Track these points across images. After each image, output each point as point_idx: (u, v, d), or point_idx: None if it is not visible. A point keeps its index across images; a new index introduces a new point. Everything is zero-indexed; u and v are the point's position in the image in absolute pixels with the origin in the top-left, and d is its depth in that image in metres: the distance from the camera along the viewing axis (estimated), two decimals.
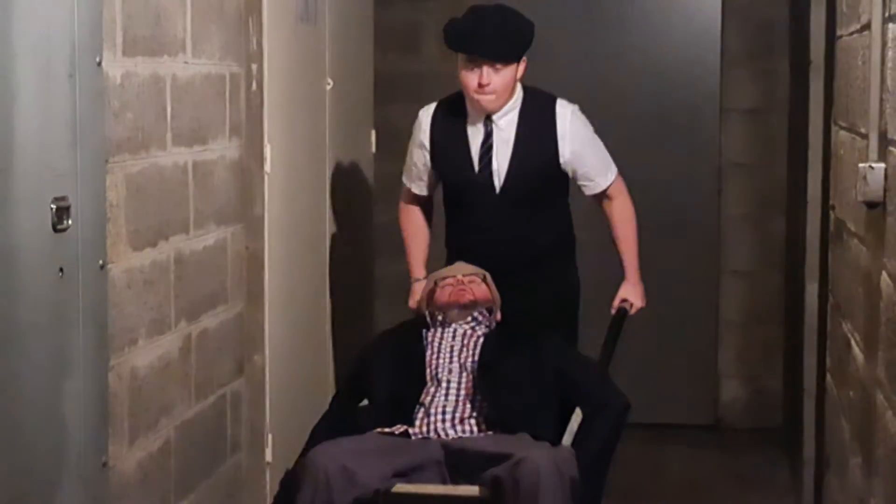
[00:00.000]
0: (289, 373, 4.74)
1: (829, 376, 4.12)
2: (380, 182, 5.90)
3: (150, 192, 3.64)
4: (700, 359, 6.57)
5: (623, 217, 4.67)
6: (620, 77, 6.51)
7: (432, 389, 4.17)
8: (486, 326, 4.34)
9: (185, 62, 3.87)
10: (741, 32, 6.48)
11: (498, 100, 4.41)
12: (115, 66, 3.40)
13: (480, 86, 4.35)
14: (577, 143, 4.51)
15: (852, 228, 3.51)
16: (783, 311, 6.41)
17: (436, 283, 4.42)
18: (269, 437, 4.51)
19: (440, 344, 4.28)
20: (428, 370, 4.20)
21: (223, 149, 4.19)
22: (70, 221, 3.11)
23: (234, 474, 4.36)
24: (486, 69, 4.33)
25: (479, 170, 4.49)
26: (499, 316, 4.40)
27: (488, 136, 4.47)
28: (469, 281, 4.36)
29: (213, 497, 4.17)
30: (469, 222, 4.57)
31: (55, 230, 3.06)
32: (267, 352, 4.51)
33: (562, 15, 6.53)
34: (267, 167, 4.47)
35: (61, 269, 3.11)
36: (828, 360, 4.18)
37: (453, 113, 4.54)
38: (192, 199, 3.95)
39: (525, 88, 4.52)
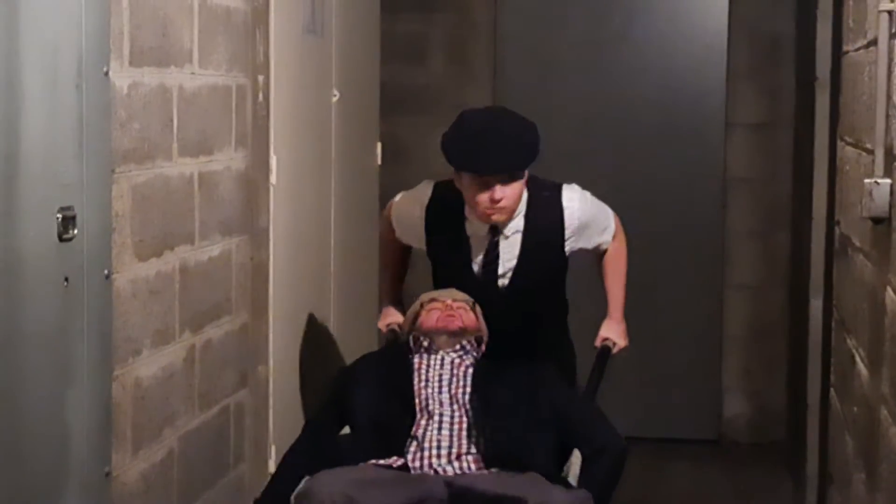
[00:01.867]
0: (293, 384, 4.74)
1: (832, 392, 4.12)
2: (385, 194, 5.89)
3: (155, 202, 3.64)
4: (703, 373, 6.56)
5: (615, 254, 4.38)
6: (627, 91, 6.51)
7: (423, 422, 3.87)
8: (475, 356, 4.05)
9: (192, 73, 3.88)
10: (747, 47, 6.48)
11: (509, 212, 4.08)
12: (121, 77, 3.40)
13: (493, 201, 3.99)
14: (587, 229, 4.25)
15: (857, 244, 3.51)
16: (787, 326, 6.41)
17: (422, 306, 4.15)
18: (273, 448, 4.51)
19: (428, 372, 3.98)
20: (417, 400, 3.91)
21: (229, 160, 4.20)
22: (75, 231, 3.11)
23: (237, 485, 4.35)
24: (498, 186, 3.98)
25: (482, 276, 4.21)
26: (484, 348, 4.13)
27: (494, 246, 4.17)
28: (458, 307, 4.10)
29: None
30: None
31: (60, 240, 3.07)
32: (271, 363, 4.50)
33: (568, 30, 6.54)
34: (272, 178, 4.47)
35: (66, 279, 3.11)
36: (832, 376, 4.18)
37: (452, 211, 4.18)
38: (197, 210, 3.95)
39: (529, 188, 4.14)
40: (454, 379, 3.97)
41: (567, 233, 4.18)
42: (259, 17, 4.36)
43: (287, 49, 4.57)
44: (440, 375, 3.98)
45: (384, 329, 4.46)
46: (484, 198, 4.00)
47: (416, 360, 4.02)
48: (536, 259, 4.18)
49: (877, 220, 3.03)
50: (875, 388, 3.07)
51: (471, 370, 3.99)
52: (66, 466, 3.16)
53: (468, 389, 3.94)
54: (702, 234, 6.52)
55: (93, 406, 3.27)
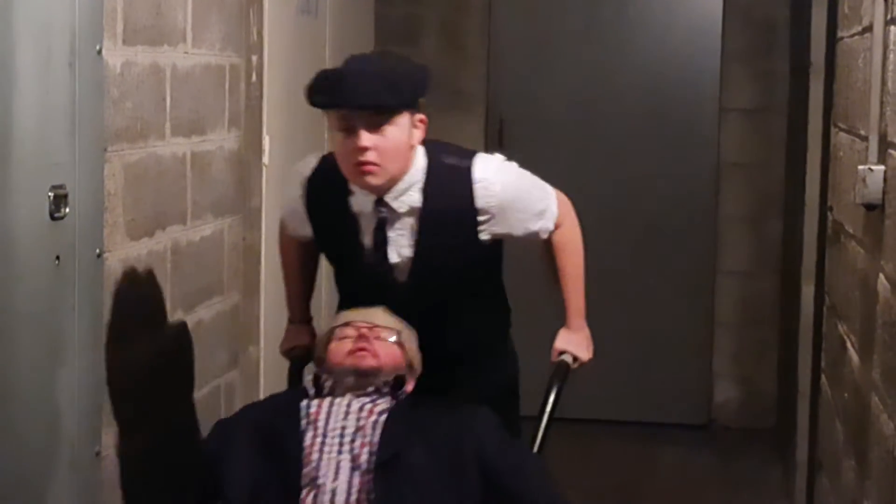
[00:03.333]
0: (283, 365, 4.73)
1: (823, 378, 4.12)
2: None
3: (147, 181, 3.64)
4: (694, 358, 6.57)
5: (566, 244, 3.47)
6: (620, 75, 6.50)
7: (311, 499, 2.99)
8: (392, 399, 3.15)
9: (186, 52, 3.87)
10: (742, 32, 6.47)
11: (384, 172, 3.18)
12: (115, 55, 3.39)
13: (358, 152, 3.15)
14: (510, 212, 3.32)
15: (850, 230, 3.51)
16: (779, 312, 6.41)
17: (332, 332, 3.31)
18: None
19: (326, 425, 3.07)
20: (305, 466, 3.02)
21: (222, 140, 4.19)
22: (67, 210, 3.10)
23: None
24: (361, 131, 3.14)
25: (375, 262, 3.33)
26: (410, 386, 3.26)
27: (381, 225, 3.29)
28: (376, 336, 3.23)
29: None
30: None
31: (52, 218, 3.06)
32: (262, 344, 4.50)
33: (563, 14, 6.53)
34: (265, 159, 4.47)
35: (57, 258, 3.10)
36: (823, 362, 4.18)
37: (336, 183, 3.31)
38: (189, 190, 3.94)
39: (430, 153, 3.30)
40: (359, 434, 3.05)
41: (481, 215, 3.28)
42: None
43: (281, 29, 4.57)
44: (342, 430, 3.07)
45: (284, 355, 3.69)
46: (348, 147, 3.18)
47: (312, 407, 3.12)
48: (440, 246, 3.30)
49: (870, 207, 3.03)
50: (866, 374, 3.07)
51: (382, 419, 3.08)
52: (57, 446, 3.16)
53: (375, 448, 3.04)
54: (694, 220, 6.52)
55: (83, 385, 3.26)
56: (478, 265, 3.39)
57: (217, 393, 4.25)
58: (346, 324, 3.28)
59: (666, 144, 6.48)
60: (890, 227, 2.83)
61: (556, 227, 3.42)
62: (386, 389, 3.17)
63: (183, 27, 3.84)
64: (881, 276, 2.89)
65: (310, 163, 3.44)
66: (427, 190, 3.27)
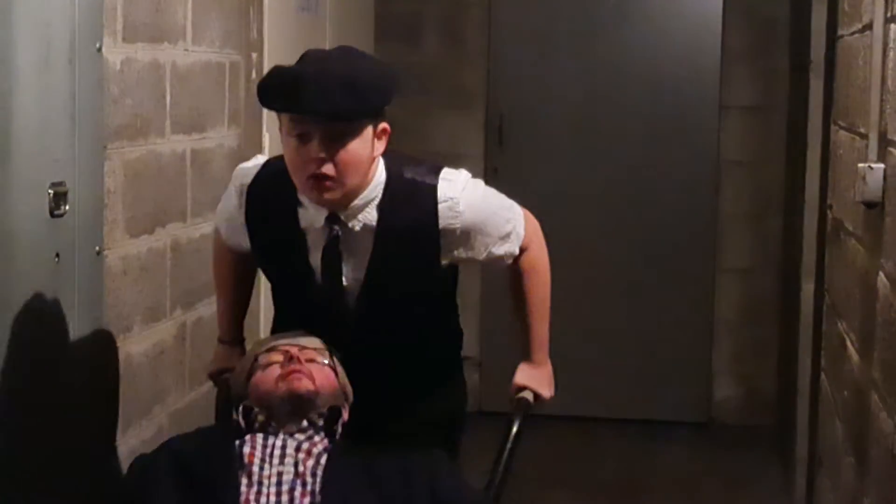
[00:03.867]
0: None
1: (823, 376, 4.12)
2: None
3: (147, 179, 3.64)
4: (694, 356, 6.57)
5: (532, 269, 3.16)
6: (620, 72, 6.50)
7: None
8: (330, 437, 2.85)
9: (186, 50, 3.87)
10: (742, 30, 6.47)
11: (341, 187, 2.86)
12: (114, 53, 3.39)
13: (313, 163, 2.82)
14: (474, 234, 3.02)
15: (850, 228, 3.51)
16: (778, 309, 6.41)
17: (256, 359, 2.95)
18: None
19: (262, 469, 2.76)
20: None
21: (222, 137, 4.19)
22: (67, 207, 3.10)
23: None
24: (318, 140, 2.81)
25: (323, 284, 3.01)
26: (346, 415, 2.93)
27: (333, 243, 2.97)
28: (308, 359, 2.91)
29: None
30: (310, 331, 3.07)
31: (52, 216, 3.06)
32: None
33: (563, 12, 6.52)
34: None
35: (57, 255, 3.10)
36: (822, 360, 4.18)
37: (282, 193, 2.97)
38: (189, 187, 3.94)
39: (390, 167, 2.97)
40: (298, 482, 2.74)
41: (443, 237, 2.98)
42: None
43: (281, 26, 4.56)
44: (279, 476, 2.75)
45: (211, 379, 3.32)
46: (301, 159, 2.85)
47: (246, 447, 2.79)
48: (396, 269, 2.99)
49: (870, 205, 3.02)
50: (865, 372, 3.07)
51: (323, 461, 2.79)
52: (57, 442, 3.16)
53: (318, 499, 2.73)
54: (694, 217, 6.52)
55: (83, 382, 3.26)
56: (434, 289, 3.11)
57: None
58: (269, 349, 2.94)
59: (666, 142, 6.48)
60: (890, 225, 2.83)
61: (522, 250, 3.11)
62: (321, 422, 2.85)
63: (183, 24, 3.84)
64: (881, 273, 2.89)
65: (251, 168, 3.08)
66: (385, 207, 2.94)
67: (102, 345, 3.38)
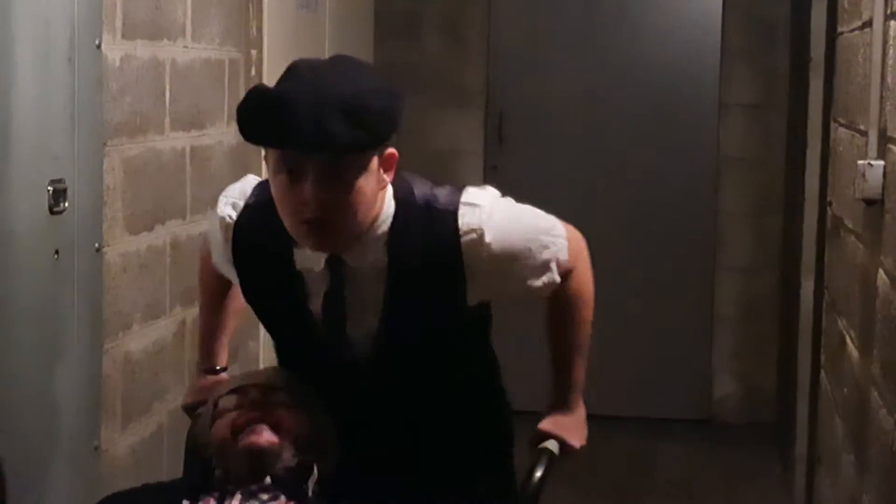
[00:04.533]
0: None
1: (823, 373, 4.12)
2: None
3: (147, 176, 3.64)
4: (694, 354, 6.57)
5: (574, 298, 2.64)
6: (620, 71, 6.50)
7: None
8: (298, 497, 2.36)
9: (185, 47, 3.87)
10: (742, 28, 6.47)
11: (339, 234, 2.38)
12: (114, 50, 3.39)
13: (306, 207, 2.33)
14: (503, 267, 2.49)
15: (850, 225, 3.51)
16: (778, 307, 6.41)
17: (215, 407, 2.51)
18: None
19: None
20: None
21: (221, 134, 4.18)
22: (66, 204, 3.10)
23: None
24: (312, 179, 2.31)
25: (327, 336, 2.52)
26: (319, 470, 2.44)
27: (336, 290, 2.48)
28: (274, 402, 2.46)
29: None
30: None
31: (51, 213, 3.06)
32: (261, 338, 4.50)
33: (563, 10, 6.52)
34: (265, 153, 4.46)
35: (57, 252, 3.10)
36: (822, 358, 4.18)
37: (274, 233, 2.45)
38: (189, 184, 3.94)
39: (400, 194, 2.47)
40: None
41: (469, 274, 2.46)
42: None
43: (280, 24, 4.56)
44: None
45: (186, 412, 2.81)
46: (294, 199, 2.35)
47: None
48: (414, 316, 2.48)
49: (869, 202, 3.02)
50: (865, 369, 3.07)
51: None
52: (55, 440, 3.16)
53: None
54: (694, 215, 6.52)
55: (82, 380, 3.26)
56: (464, 338, 2.58)
57: None
58: (233, 391, 2.51)
59: (666, 140, 6.48)
60: (889, 222, 2.83)
61: (564, 276, 2.58)
62: (289, 480, 2.36)
63: (182, 21, 3.84)
64: (881, 271, 2.89)
65: (237, 197, 2.57)
66: (396, 244, 2.44)
67: (101, 342, 3.38)
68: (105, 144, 3.35)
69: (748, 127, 6.52)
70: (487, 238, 2.44)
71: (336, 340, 2.51)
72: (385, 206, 2.44)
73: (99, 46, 3.27)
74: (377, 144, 2.35)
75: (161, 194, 3.74)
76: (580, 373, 2.69)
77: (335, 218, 2.33)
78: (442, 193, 2.48)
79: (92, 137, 3.26)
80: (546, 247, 2.53)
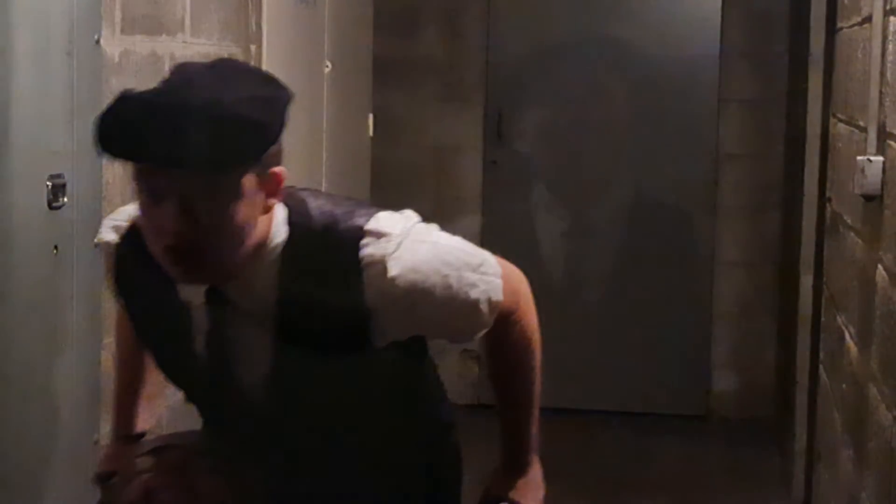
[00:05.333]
0: None
1: (821, 369, 4.12)
2: (376, 166, 5.89)
3: None
4: (693, 349, 6.57)
5: (515, 344, 2.29)
6: (620, 66, 6.50)
7: None
8: None
9: (184, 42, 3.86)
10: (741, 23, 6.47)
11: (209, 265, 2.03)
12: (113, 45, 3.38)
13: (166, 233, 1.98)
14: (418, 305, 2.11)
15: (849, 221, 3.51)
16: (777, 302, 6.42)
17: (132, 466, 2.33)
18: None
19: None
20: None
21: None
22: (65, 199, 3.10)
23: None
24: (173, 200, 1.96)
25: (214, 378, 2.23)
26: None
27: (217, 326, 2.14)
28: (194, 466, 2.30)
29: None
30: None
31: (50, 208, 3.05)
32: None
33: (562, 5, 6.52)
34: None
35: (56, 247, 3.10)
36: (821, 353, 4.18)
37: (155, 261, 2.05)
38: None
39: (293, 216, 2.12)
40: None
41: (375, 312, 2.09)
42: None
43: (280, 19, 4.56)
44: None
45: (96, 484, 2.47)
46: (153, 222, 2.01)
47: None
48: (310, 360, 2.14)
49: (868, 198, 3.02)
50: (864, 365, 3.07)
51: None
52: (55, 435, 3.16)
53: None
54: (693, 210, 6.52)
55: (82, 374, 3.26)
56: (379, 378, 2.22)
57: None
58: (150, 451, 2.33)
59: (665, 135, 6.48)
60: (888, 218, 2.83)
61: (501, 320, 2.21)
62: None
63: (181, 16, 3.83)
64: (880, 266, 2.89)
65: (124, 220, 2.25)
66: (287, 276, 2.08)
67: (101, 337, 3.38)
68: None
69: (747, 122, 6.52)
70: (392, 272, 2.07)
71: (224, 387, 2.20)
72: (273, 232, 2.08)
73: (98, 41, 3.27)
74: (245, 162, 2.00)
75: None
76: (532, 428, 2.38)
77: (200, 247, 1.98)
78: (344, 218, 2.11)
79: (91, 132, 3.25)
80: (473, 285, 2.14)
